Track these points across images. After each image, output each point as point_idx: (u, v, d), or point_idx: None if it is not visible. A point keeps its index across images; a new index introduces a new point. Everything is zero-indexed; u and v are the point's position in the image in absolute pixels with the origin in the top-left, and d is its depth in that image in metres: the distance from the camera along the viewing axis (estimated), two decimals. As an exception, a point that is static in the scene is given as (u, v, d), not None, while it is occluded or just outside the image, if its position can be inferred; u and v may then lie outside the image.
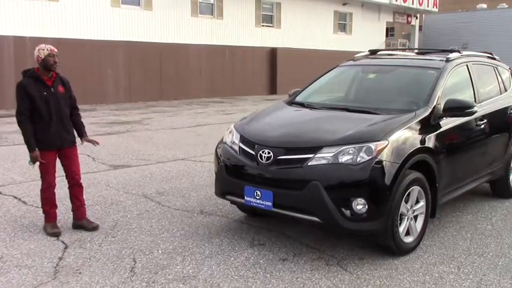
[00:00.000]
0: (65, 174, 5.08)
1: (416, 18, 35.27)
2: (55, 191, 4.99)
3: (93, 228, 4.99)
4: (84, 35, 17.37)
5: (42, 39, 15.96)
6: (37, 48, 4.75)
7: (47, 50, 4.74)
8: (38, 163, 4.82)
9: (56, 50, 4.81)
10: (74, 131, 5.06)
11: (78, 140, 5.12)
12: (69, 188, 5.09)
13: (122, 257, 4.37)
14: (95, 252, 4.48)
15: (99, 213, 5.53)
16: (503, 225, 5.41)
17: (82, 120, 5.19)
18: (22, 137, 4.78)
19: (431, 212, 4.80)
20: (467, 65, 5.81)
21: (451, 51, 5.92)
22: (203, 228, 5.11)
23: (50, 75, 4.81)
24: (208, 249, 4.59)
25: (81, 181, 5.12)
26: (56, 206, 5.03)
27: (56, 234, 4.85)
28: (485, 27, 33.20)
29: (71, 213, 5.11)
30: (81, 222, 5.03)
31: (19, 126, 4.76)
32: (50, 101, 4.75)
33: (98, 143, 5.15)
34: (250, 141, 4.67)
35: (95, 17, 17.88)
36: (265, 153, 4.42)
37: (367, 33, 29.95)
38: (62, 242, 4.72)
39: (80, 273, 4.06)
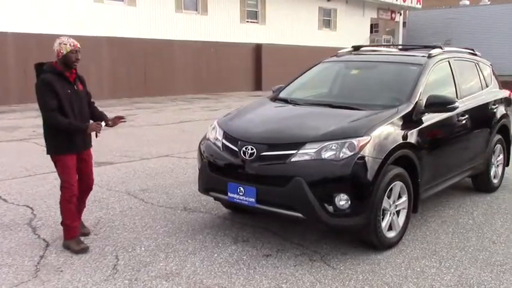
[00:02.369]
0: (77, 178, 4.53)
1: (400, 14, 35.48)
2: (76, 201, 4.48)
3: (84, 234, 4.66)
4: (67, 31, 17.17)
5: (24, 34, 15.80)
6: (58, 42, 4.30)
7: (70, 45, 4.29)
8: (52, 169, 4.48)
9: (79, 46, 4.36)
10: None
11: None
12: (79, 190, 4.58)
13: (104, 255, 4.34)
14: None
15: (82, 210, 5.48)
16: (484, 219, 5.47)
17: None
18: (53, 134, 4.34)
19: (414, 207, 4.83)
20: (449, 61, 5.86)
21: (433, 47, 5.96)
22: (186, 225, 5.10)
23: (70, 71, 4.42)
24: (191, 245, 4.58)
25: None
26: (78, 219, 4.56)
27: (85, 250, 4.37)
28: (468, 24, 33.57)
29: (51, 214, 5.01)
30: None
31: (54, 123, 4.27)
32: (73, 100, 4.38)
33: (123, 119, 4.75)
34: (234, 138, 4.66)
35: (77, 12, 17.69)
36: (249, 150, 4.42)
37: (351, 29, 30.05)
38: (44, 240, 4.66)
39: (61, 271, 4.02)
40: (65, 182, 4.38)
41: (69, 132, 4.32)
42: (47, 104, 4.22)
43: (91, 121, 4.52)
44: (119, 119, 4.73)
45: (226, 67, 22.79)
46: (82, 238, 4.61)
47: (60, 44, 4.29)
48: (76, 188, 4.42)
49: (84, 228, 4.78)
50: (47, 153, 4.43)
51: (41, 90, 4.24)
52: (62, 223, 4.49)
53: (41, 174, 7.04)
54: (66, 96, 4.31)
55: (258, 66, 24.45)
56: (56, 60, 4.34)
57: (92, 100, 4.74)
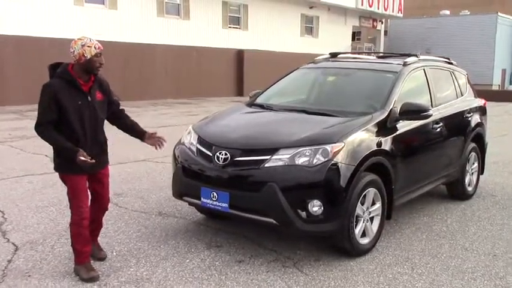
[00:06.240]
0: (91, 198, 4.08)
1: (382, 23, 35.88)
2: (88, 224, 3.94)
3: (100, 258, 4.22)
4: (46, 34, 17.00)
5: (1, 36, 15.57)
6: (79, 44, 3.65)
7: (95, 48, 3.69)
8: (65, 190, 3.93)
9: (102, 48, 3.79)
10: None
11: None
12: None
13: (74, 260, 4.26)
14: (46, 254, 4.36)
15: (54, 214, 5.40)
16: (457, 226, 5.51)
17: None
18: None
19: (387, 214, 4.85)
20: (424, 69, 5.91)
21: (409, 55, 6.02)
22: (160, 230, 5.05)
23: (87, 78, 3.77)
24: (164, 251, 4.53)
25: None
26: (90, 243, 4.00)
27: (95, 279, 3.85)
28: (448, 33, 34.19)
29: (23, 218, 4.89)
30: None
31: (42, 137, 3.69)
32: (84, 114, 3.72)
33: (162, 144, 4.23)
34: (208, 143, 4.64)
35: (57, 15, 17.53)
36: (222, 155, 4.39)
37: (333, 37, 30.28)
38: (13, 244, 4.57)
39: (29, 276, 3.94)
40: (74, 205, 3.83)
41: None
42: (40, 115, 3.66)
43: (81, 151, 3.66)
44: (157, 139, 4.18)
45: (208, 72, 22.77)
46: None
47: (83, 46, 3.67)
48: (87, 211, 3.87)
49: (100, 252, 4.30)
50: (54, 169, 3.91)
51: (42, 97, 3.66)
52: (71, 246, 3.97)
53: (14, 177, 6.93)
54: (76, 109, 3.69)
55: (240, 72, 24.49)
56: (74, 63, 3.75)
57: (121, 108, 4.18)
